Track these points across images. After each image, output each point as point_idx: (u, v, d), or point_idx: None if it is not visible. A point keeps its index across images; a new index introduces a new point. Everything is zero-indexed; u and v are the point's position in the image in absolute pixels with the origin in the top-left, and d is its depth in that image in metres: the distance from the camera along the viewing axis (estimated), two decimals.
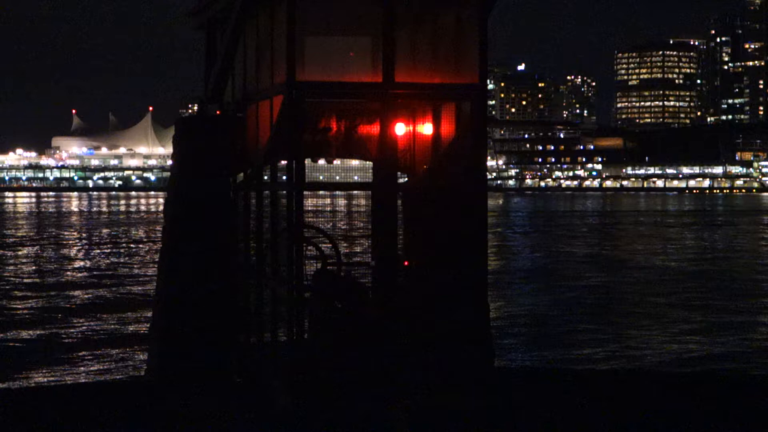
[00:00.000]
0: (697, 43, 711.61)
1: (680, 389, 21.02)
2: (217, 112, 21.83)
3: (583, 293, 54.67)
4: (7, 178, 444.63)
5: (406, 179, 20.49)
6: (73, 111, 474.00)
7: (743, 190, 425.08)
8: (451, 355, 18.79)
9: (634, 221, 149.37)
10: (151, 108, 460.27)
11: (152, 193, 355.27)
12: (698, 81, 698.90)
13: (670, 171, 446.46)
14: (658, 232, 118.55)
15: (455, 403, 18.23)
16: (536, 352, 36.29)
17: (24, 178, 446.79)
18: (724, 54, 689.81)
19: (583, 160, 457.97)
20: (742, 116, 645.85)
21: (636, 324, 43.17)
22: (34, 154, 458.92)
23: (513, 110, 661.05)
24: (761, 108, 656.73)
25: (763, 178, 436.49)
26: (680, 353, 36.34)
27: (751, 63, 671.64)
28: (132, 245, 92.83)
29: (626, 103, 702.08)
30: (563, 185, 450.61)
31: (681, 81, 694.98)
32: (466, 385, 18.56)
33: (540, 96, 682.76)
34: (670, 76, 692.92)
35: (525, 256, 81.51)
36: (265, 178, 20.37)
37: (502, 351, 33.74)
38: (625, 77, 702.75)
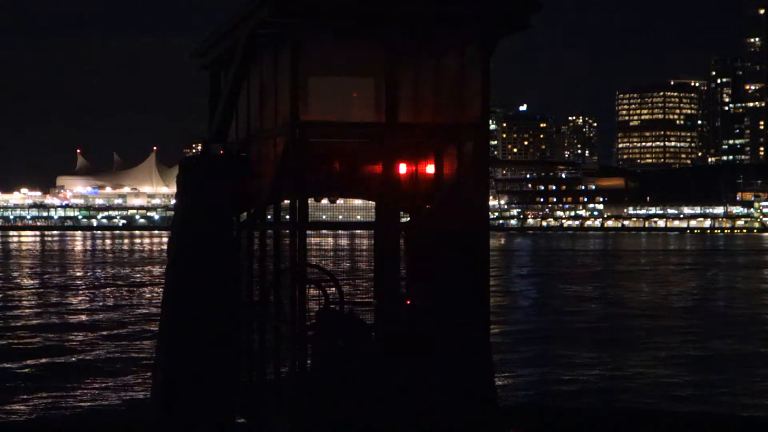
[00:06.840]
0: (697, 84, 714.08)
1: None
2: (221, 152, 21.95)
3: (582, 330, 54.76)
4: (11, 216, 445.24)
5: (409, 219, 20.56)
6: (78, 150, 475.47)
7: (744, 231, 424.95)
8: (452, 397, 18.77)
9: (635, 261, 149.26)
10: (155, 147, 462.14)
11: (156, 232, 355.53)
12: (699, 122, 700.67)
13: (671, 211, 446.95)
14: (658, 272, 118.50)
15: None
16: (536, 388, 36.34)
17: (29, 216, 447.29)
18: (724, 95, 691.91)
19: (585, 200, 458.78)
20: (743, 156, 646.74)
21: (630, 357, 43.31)
22: (38, 193, 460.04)
23: (515, 150, 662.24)
24: (762, 148, 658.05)
25: (764, 219, 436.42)
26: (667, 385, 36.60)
27: (751, 104, 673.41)
28: (135, 284, 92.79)
29: (627, 144, 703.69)
30: (565, 225, 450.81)
31: (682, 122, 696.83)
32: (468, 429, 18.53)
33: (542, 136, 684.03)
34: (671, 116, 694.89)
35: (526, 294, 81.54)
36: (268, 217, 20.46)
37: (504, 385, 33.76)
38: (627, 118, 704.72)
